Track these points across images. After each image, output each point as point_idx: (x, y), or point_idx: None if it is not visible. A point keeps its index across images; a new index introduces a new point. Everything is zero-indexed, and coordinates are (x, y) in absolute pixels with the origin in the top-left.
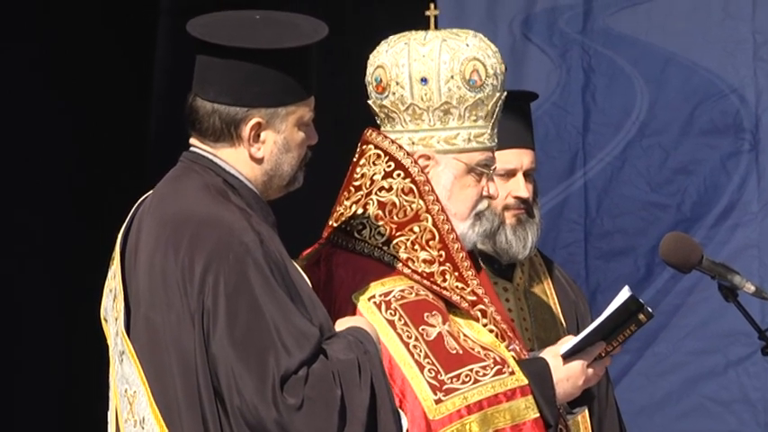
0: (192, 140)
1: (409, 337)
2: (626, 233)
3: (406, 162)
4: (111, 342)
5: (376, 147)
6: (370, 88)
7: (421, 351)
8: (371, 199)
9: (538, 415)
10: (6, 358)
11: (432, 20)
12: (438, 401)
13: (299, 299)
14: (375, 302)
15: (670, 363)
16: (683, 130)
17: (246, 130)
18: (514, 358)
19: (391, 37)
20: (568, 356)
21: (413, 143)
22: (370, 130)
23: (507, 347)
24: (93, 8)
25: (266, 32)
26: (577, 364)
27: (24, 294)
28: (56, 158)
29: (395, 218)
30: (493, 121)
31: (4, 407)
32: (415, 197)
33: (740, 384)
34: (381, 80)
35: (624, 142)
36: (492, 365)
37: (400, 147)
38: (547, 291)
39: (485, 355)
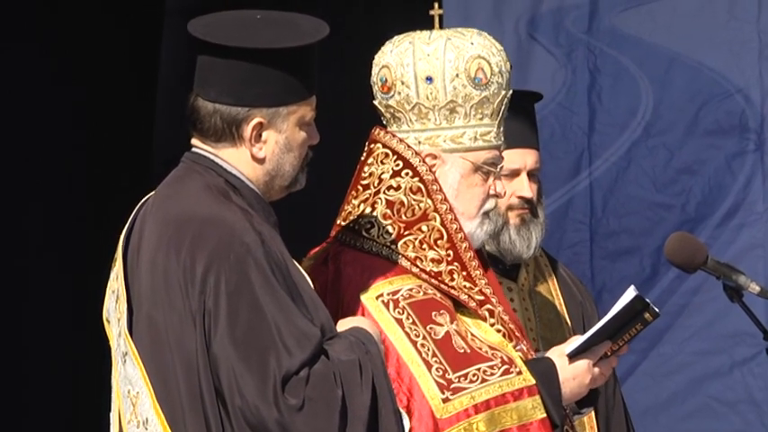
0: (194, 141)
1: (417, 336)
2: (631, 233)
3: (415, 161)
4: (113, 343)
5: (384, 145)
6: (375, 88)
7: (429, 350)
8: (380, 198)
9: (545, 415)
10: (10, 360)
11: (436, 19)
12: (445, 400)
13: (301, 299)
14: (383, 301)
15: (675, 363)
16: (689, 131)
17: (248, 130)
18: (521, 358)
19: (396, 37)
20: (574, 356)
21: (419, 142)
22: (377, 129)
23: (515, 347)
24: (98, 8)
25: (267, 32)
26: (583, 364)
27: (29, 295)
28: (58, 159)
29: (403, 217)
30: (499, 119)
31: (11, 407)
32: (423, 196)
33: (745, 385)
34: (386, 80)
35: (629, 142)
36: (499, 365)
37: (408, 146)
38: (552, 291)
39: (492, 354)
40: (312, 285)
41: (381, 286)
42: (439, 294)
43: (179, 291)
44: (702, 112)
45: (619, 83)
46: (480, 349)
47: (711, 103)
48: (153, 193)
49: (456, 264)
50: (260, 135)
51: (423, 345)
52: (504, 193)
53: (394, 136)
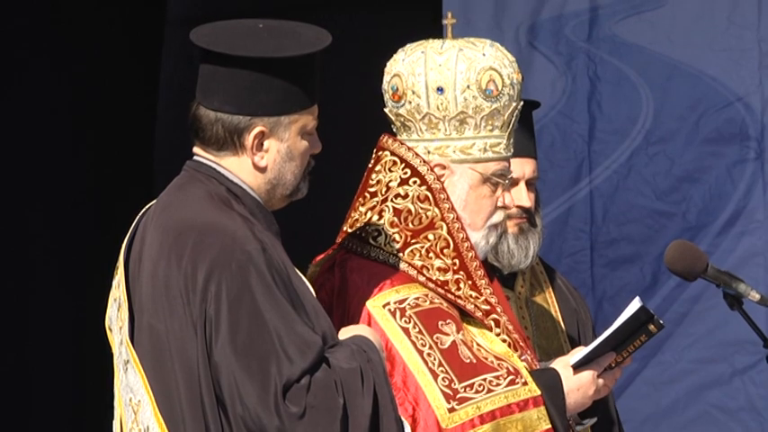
0: (196, 149)
1: (423, 345)
2: (632, 241)
3: (423, 169)
4: (115, 351)
5: (392, 153)
6: (386, 96)
7: (435, 359)
8: (387, 206)
9: (550, 426)
10: (14, 366)
11: (449, 29)
12: (451, 410)
13: (302, 307)
14: (390, 309)
15: (676, 371)
16: (689, 139)
17: (250, 139)
18: (527, 369)
19: (408, 45)
20: (579, 367)
21: (428, 152)
22: (386, 137)
23: (520, 357)
24: (100, 17)
25: (269, 41)
26: (588, 375)
27: (33, 304)
28: (60, 167)
29: (410, 225)
30: (509, 131)
31: (15, 412)
32: (430, 205)
33: (746, 393)
34: (398, 89)
35: (630, 150)
36: (505, 375)
37: (416, 154)
38: (548, 299)
39: (498, 364)
40: (314, 293)
41: (388, 295)
42: (445, 304)
43: (180, 299)
44: (703, 121)
45: (619, 91)
46: (486, 359)
47: (712, 111)
48: (155, 201)
49: (462, 273)
50: (262, 144)
51: (429, 354)
52: (513, 204)
53: (402, 144)
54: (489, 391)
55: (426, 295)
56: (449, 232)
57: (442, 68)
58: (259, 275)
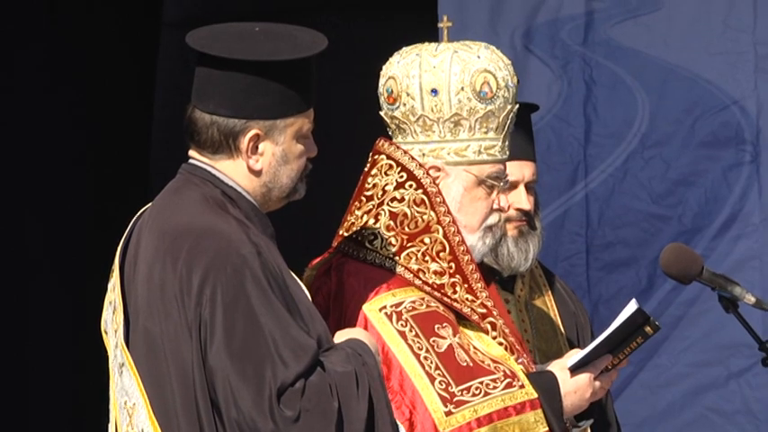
0: (191, 152)
1: (420, 349)
2: (627, 244)
3: (419, 173)
4: (111, 354)
5: (388, 157)
6: (381, 99)
7: (432, 363)
8: (383, 209)
9: (547, 428)
10: (12, 369)
11: (445, 32)
12: (448, 413)
13: (297, 311)
14: (386, 313)
15: (672, 374)
16: (685, 142)
17: (245, 142)
18: (524, 371)
19: (403, 48)
20: (575, 369)
21: (423, 154)
22: (382, 140)
23: (516, 360)
24: (97, 21)
25: (265, 45)
26: (585, 377)
27: (32, 305)
28: (56, 170)
29: (406, 229)
30: (504, 133)
31: (13, 415)
32: (426, 208)
33: (742, 396)
34: (392, 91)
35: (625, 154)
36: (502, 378)
37: (412, 158)
38: (547, 302)
39: (495, 367)
40: (310, 297)
41: (384, 298)
42: (441, 307)
43: (175, 302)
44: (698, 124)
45: (615, 94)
46: (483, 362)
47: (707, 114)
48: (150, 204)
49: (458, 276)
50: (257, 147)
51: (426, 357)
52: (509, 207)
53: (398, 147)
54: (486, 394)
55: (423, 299)
56: (445, 236)
57: (437, 70)
58: (254, 279)
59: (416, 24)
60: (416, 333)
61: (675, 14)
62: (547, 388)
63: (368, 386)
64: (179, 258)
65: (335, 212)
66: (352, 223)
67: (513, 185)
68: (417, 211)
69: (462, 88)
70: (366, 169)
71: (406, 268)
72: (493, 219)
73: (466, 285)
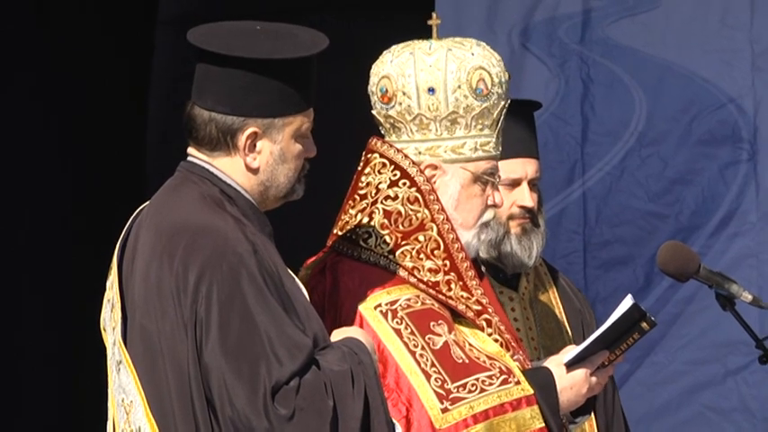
0: (190, 149)
1: (416, 346)
2: (625, 243)
3: (412, 171)
4: (109, 352)
5: (381, 155)
6: (374, 98)
7: (427, 360)
8: (377, 208)
9: (543, 425)
10: (6, 366)
11: (434, 29)
12: (444, 410)
13: (293, 309)
14: (381, 311)
15: (669, 372)
16: (682, 140)
17: (242, 140)
18: (519, 368)
19: (394, 47)
20: (571, 365)
21: (419, 153)
22: (374, 139)
23: (512, 357)
24: (91, 19)
25: (265, 43)
26: (581, 373)
27: (26, 305)
28: (53, 168)
29: (400, 227)
30: (498, 129)
31: (6, 412)
32: (420, 206)
33: (739, 393)
34: (387, 90)
35: (623, 152)
36: (498, 375)
37: (406, 156)
38: (552, 299)
39: (490, 364)
40: (307, 295)
41: (379, 296)
42: (437, 304)
43: (171, 299)
44: (695, 122)
45: (612, 93)
46: (478, 359)
47: (704, 112)
48: (148, 202)
49: (453, 273)
50: (254, 145)
51: (421, 355)
52: (502, 203)
53: (391, 146)
54: (482, 390)
55: (418, 296)
56: (439, 233)
57: (433, 69)
58: (250, 277)
59: (416, 24)
60: (412, 331)
61: (672, 13)
62: (543, 384)
63: (363, 385)
64: (175, 256)
65: (330, 211)
66: (347, 222)
67: (516, 183)
68: (411, 209)
69: (459, 86)
70: (359, 168)
71: (400, 266)
72: (488, 215)
73: (461, 283)
